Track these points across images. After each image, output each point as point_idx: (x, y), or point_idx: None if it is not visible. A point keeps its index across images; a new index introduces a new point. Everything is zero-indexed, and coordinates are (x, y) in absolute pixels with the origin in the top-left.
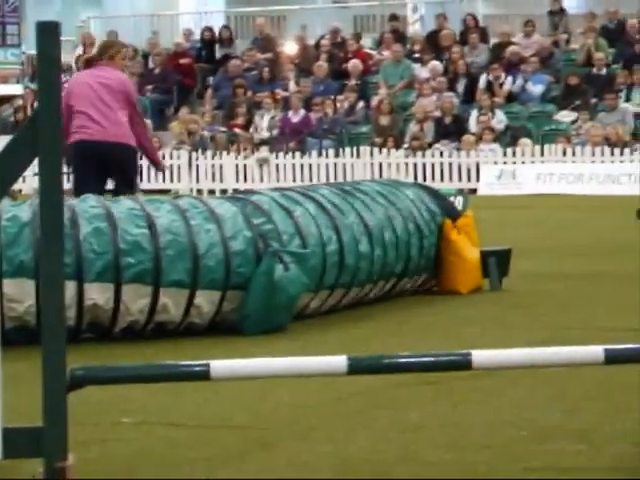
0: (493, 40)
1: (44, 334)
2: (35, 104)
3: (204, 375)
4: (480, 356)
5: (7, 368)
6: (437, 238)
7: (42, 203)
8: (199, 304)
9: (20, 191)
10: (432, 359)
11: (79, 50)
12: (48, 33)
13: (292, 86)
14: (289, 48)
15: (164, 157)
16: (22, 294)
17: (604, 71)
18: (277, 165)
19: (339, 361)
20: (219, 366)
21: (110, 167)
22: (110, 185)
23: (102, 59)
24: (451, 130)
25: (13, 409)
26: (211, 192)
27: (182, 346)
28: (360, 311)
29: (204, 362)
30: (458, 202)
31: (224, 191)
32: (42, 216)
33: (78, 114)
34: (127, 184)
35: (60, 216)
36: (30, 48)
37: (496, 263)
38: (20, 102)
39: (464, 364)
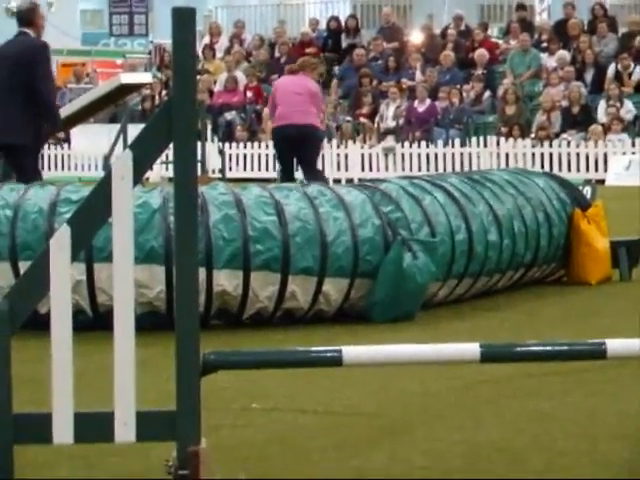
0: (622, 29)
1: (178, 319)
2: (163, 93)
3: (336, 361)
4: (615, 345)
5: (139, 353)
6: (567, 227)
7: (177, 190)
8: (327, 292)
9: (147, 179)
10: (566, 348)
11: (206, 39)
12: (183, 20)
13: (418, 75)
14: (415, 37)
15: None
16: (152, 280)
17: None
18: (403, 154)
19: (472, 349)
20: (351, 352)
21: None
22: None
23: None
24: (579, 120)
25: (145, 393)
26: (337, 181)
27: (310, 333)
28: (488, 301)
29: (336, 348)
30: (586, 192)
31: (350, 180)
32: (177, 202)
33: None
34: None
35: (194, 203)
36: (158, 38)
37: (626, 253)
38: (148, 91)
39: (599, 353)
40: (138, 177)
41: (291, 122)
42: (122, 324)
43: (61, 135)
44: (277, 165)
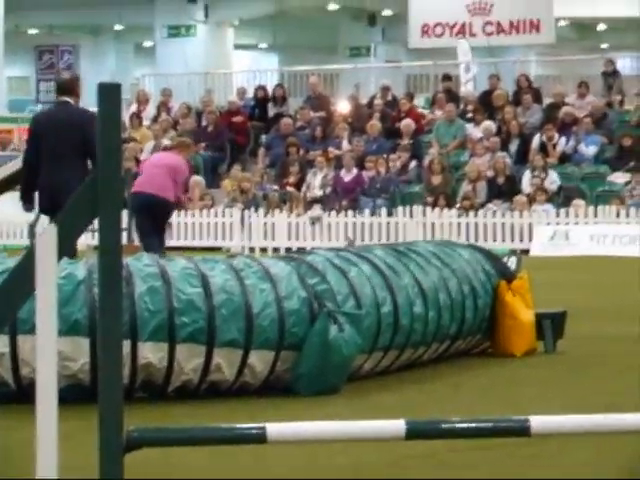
0: (546, 100)
1: (101, 394)
2: None
3: (260, 438)
4: (538, 422)
5: (62, 427)
6: (492, 299)
7: (101, 262)
8: (253, 364)
9: None
10: (491, 425)
11: (133, 107)
12: (109, 94)
13: (345, 145)
14: (342, 107)
15: (216, 215)
16: (76, 352)
17: None
18: (329, 224)
19: (397, 425)
20: (275, 429)
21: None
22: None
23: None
24: (504, 190)
25: (68, 468)
26: (263, 250)
27: (236, 406)
28: (414, 373)
29: (260, 425)
30: (512, 263)
31: (276, 249)
32: (101, 275)
33: None
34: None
35: (119, 275)
36: (83, 104)
37: (551, 326)
38: None
39: (522, 430)
40: (63, 251)
41: (145, 191)
42: (45, 397)
43: None
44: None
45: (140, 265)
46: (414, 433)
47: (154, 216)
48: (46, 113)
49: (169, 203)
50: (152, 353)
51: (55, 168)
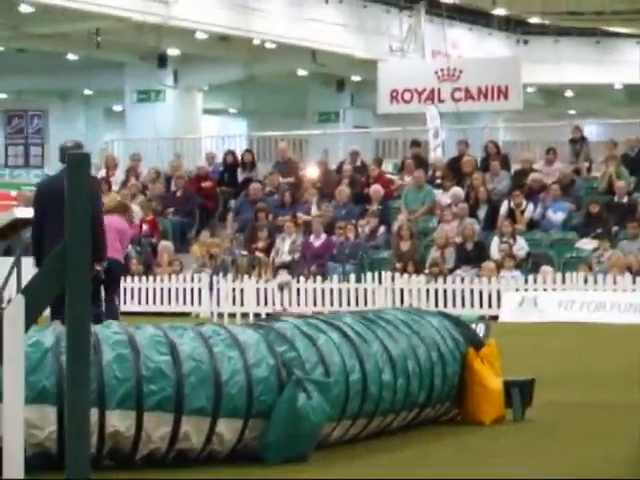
0: (514, 167)
1: (68, 464)
2: None
3: None
4: None
5: None
6: (461, 367)
7: (69, 330)
8: (221, 432)
9: None
10: None
11: (102, 172)
12: (77, 165)
13: (314, 210)
14: (311, 172)
15: (185, 280)
16: (43, 420)
17: (625, 199)
18: (298, 289)
19: None
20: None
21: None
22: None
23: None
24: (472, 256)
25: None
26: (232, 316)
27: (204, 475)
28: (383, 441)
29: None
30: (480, 330)
31: (245, 315)
32: (69, 343)
33: None
34: None
35: (87, 343)
36: (53, 169)
37: (519, 394)
38: None
39: None
40: (30, 322)
41: None
42: (12, 465)
43: None
44: None
45: (108, 332)
46: None
47: (108, 280)
48: (51, 179)
49: (121, 264)
50: (120, 421)
51: (56, 232)
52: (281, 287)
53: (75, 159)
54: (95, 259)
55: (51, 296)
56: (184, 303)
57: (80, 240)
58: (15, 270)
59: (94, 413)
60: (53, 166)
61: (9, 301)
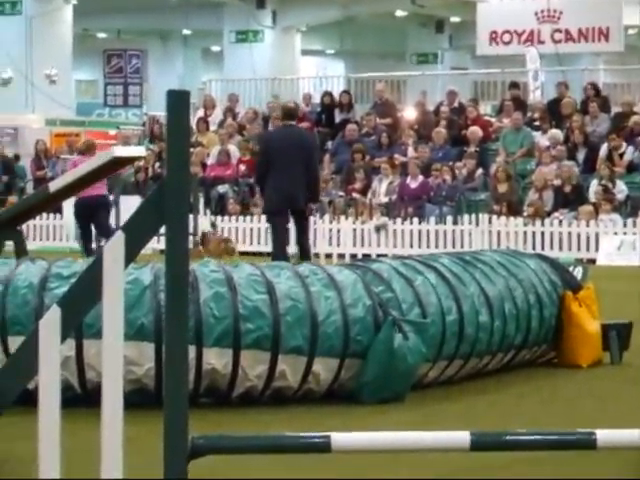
0: (614, 110)
1: (166, 401)
2: (156, 165)
3: (325, 447)
4: (605, 435)
5: (126, 431)
6: (558, 309)
7: (168, 268)
8: (317, 371)
9: None
10: (556, 437)
11: (200, 112)
12: (178, 102)
13: (411, 152)
14: (408, 113)
15: None
16: (141, 357)
17: None
18: (395, 231)
19: (462, 437)
20: (340, 438)
21: None
22: None
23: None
24: (570, 199)
25: (133, 472)
26: (328, 256)
27: (299, 414)
28: (478, 383)
29: (325, 434)
30: (578, 272)
31: (341, 255)
32: (168, 280)
33: None
34: None
35: (185, 281)
36: (151, 109)
37: (617, 337)
38: (141, 163)
39: (589, 443)
40: (130, 259)
41: (85, 194)
42: (110, 401)
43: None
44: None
45: (206, 271)
46: (479, 445)
47: (97, 215)
48: (276, 133)
49: (106, 197)
50: (217, 359)
51: (286, 177)
52: (378, 228)
53: (175, 98)
54: (311, 200)
55: (151, 233)
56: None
57: (179, 177)
58: (114, 208)
59: (191, 350)
60: (152, 105)
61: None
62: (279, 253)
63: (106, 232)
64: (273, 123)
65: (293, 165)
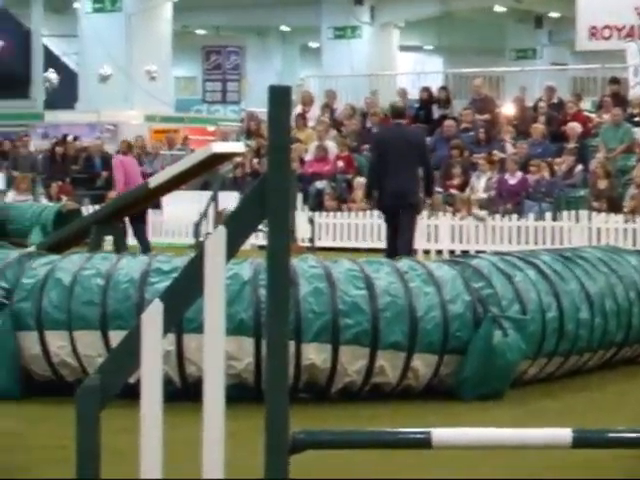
0: None
1: (268, 396)
2: (254, 161)
3: (425, 443)
4: None
5: (226, 425)
6: None
7: (270, 264)
8: (416, 367)
9: None
10: None
11: (298, 108)
12: (279, 98)
13: (509, 148)
14: (507, 109)
15: (379, 216)
16: (241, 352)
17: None
18: (493, 227)
19: (564, 434)
20: (441, 434)
21: None
22: None
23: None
24: None
25: (233, 467)
26: (426, 252)
27: (398, 409)
28: (579, 380)
29: (425, 430)
30: None
31: (439, 252)
32: (269, 277)
33: None
34: None
35: (287, 278)
36: (250, 105)
37: None
38: (239, 159)
39: None
40: (231, 253)
41: None
42: (212, 396)
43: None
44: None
45: (305, 266)
46: (581, 442)
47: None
48: (387, 132)
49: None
50: (316, 354)
51: (397, 175)
52: (476, 219)
53: (277, 93)
54: (426, 194)
55: (252, 228)
56: (379, 239)
57: (281, 173)
58: (212, 204)
59: (291, 346)
60: (250, 101)
61: (207, 234)
62: (404, 250)
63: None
64: (371, 120)
65: (405, 163)
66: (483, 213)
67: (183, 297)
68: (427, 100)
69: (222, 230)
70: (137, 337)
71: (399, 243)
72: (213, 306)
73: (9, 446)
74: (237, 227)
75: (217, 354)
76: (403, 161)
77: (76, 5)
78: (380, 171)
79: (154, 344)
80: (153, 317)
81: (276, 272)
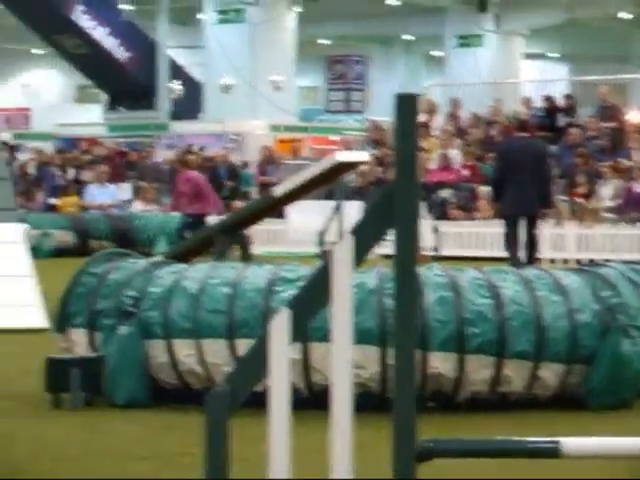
0: None
1: (395, 404)
2: (378, 171)
3: (554, 452)
4: None
5: (354, 434)
6: None
7: (397, 273)
8: (543, 376)
9: None
10: None
11: (422, 117)
12: (406, 106)
13: (636, 156)
14: (633, 117)
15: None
16: (366, 360)
17: None
18: (620, 235)
19: None
20: (570, 444)
21: None
22: None
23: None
24: None
25: (361, 475)
26: (552, 261)
27: (525, 419)
28: None
29: (554, 439)
30: None
31: (565, 261)
32: (397, 286)
33: None
34: None
35: (414, 287)
36: (373, 114)
37: None
38: (363, 168)
39: None
40: (358, 262)
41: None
42: (340, 405)
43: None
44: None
45: (430, 275)
46: None
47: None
48: (512, 144)
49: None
50: (441, 363)
51: (521, 185)
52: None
53: (403, 101)
54: (545, 206)
55: (379, 237)
56: (503, 248)
57: (408, 182)
58: (337, 213)
59: (416, 355)
60: (374, 110)
61: (331, 243)
62: (512, 256)
63: None
64: (495, 128)
65: (528, 174)
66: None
67: (310, 305)
68: (552, 108)
69: (349, 238)
70: (265, 345)
71: (524, 252)
72: (340, 315)
73: (137, 453)
74: (364, 236)
75: (345, 363)
76: (526, 172)
77: (201, 16)
78: (504, 181)
79: (282, 352)
80: (281, 325)
81: (404, 281)
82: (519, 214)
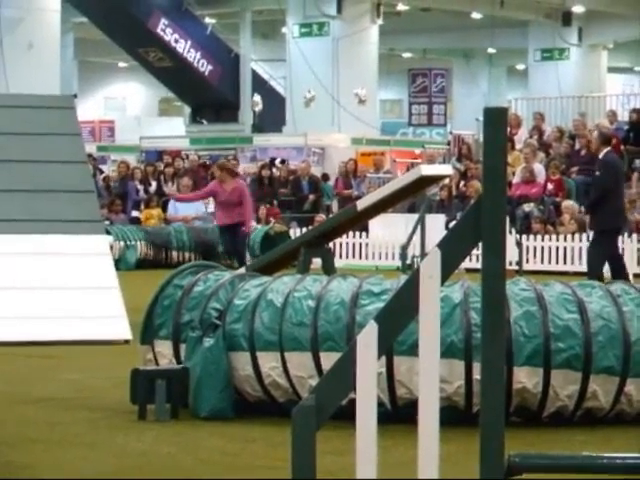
0: None
1: (483, 419)
2: (461, 184)
3: None
4: None
5: (440, 448)
6: None
7: (485, 287)
8: (629, 392)
9: None
10: None
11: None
12: (495, 120)
13: None
14: None
15: (588, 239)
16: (452, 375)
17: None
18: None
19: None
20: None
21: None
22: None
23: None
24: None
25: None
26: (637, 276)
27: (611, 434)
28: None
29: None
30: None
31: None
32: (485, 301)
33: None
34: None
35: (502, 302)
36: (456, 128)
37: None
38: (446, 181)
39: None
40: (446, 275)
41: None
42: (427, 419)
43: None
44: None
45: (516, 289)
46: None
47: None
48: (616, 157)
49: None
50: (527, 378)
51: (621, 199)
52: None
53: (493, 115)
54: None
55: (466, 251)
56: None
57: (496, 196)
58: (419, 227)
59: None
60: (456, 124)
61: (414, 257)
62: (594, 270)
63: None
64: (580, 142)
65: (623, 188)
66: None
67: (397, 319)
68: (637, 122)
69: (437, 252)
70: (352, 358)
71: (613, 266)
72: (428, 327)
73: (222, 466)
74: (452, 249)
75: (432, 376)
76: (623, 187)
77: (284, 30)
78: (611, 194)
79: (369, 365)
80: (368, 338)
81: (491, 295)
82: (621, 228)
